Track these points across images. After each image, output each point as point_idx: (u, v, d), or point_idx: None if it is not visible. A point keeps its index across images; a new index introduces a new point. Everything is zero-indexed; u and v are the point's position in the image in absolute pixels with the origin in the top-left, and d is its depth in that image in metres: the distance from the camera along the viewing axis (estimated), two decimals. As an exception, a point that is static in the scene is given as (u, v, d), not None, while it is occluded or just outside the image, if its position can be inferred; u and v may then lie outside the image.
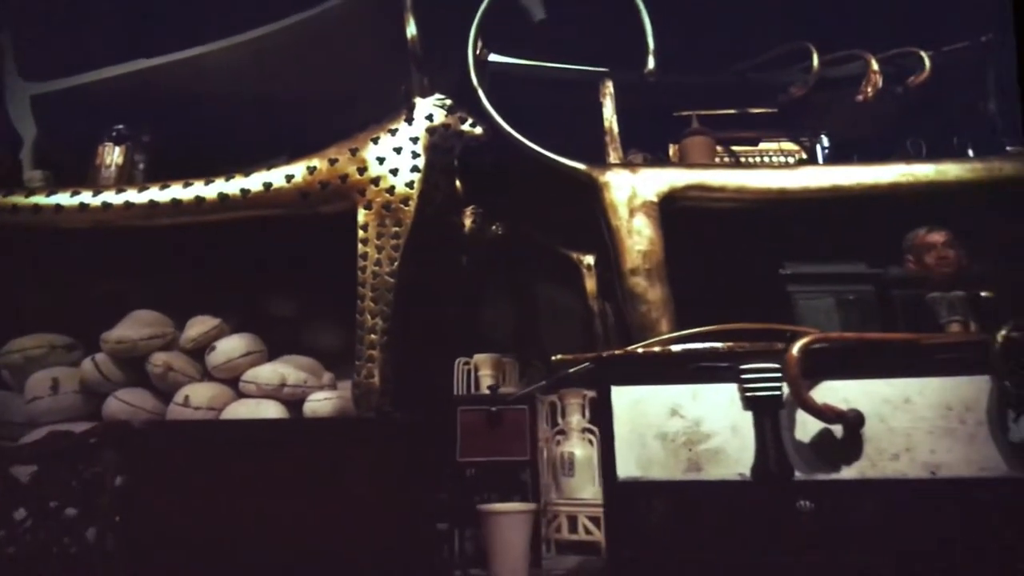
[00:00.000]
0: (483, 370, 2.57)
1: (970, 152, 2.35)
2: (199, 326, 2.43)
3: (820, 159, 2.46)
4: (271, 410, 2.28)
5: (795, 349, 1.56)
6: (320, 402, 2.32)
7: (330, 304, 2.56)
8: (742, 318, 1.87)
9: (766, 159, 2.55)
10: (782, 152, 2.56)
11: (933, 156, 2.34)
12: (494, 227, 2.81)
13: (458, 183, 2.70)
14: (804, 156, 2.52)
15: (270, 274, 2.59)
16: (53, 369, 2.34)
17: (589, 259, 2.79)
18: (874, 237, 2.23)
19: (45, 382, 2.29)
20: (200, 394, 2.27)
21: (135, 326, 2.36)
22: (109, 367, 2.31)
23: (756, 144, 2.58)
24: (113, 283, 2.53)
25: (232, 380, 2.37)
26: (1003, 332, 1.54)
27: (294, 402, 2.35)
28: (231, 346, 2.38)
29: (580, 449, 2.42)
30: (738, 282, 2.30)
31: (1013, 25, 1.67)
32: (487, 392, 2.43)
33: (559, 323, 3.12)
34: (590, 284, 2.77)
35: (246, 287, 2.60)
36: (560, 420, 2.52)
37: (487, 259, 2.83)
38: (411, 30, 2.32)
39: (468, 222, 2.76)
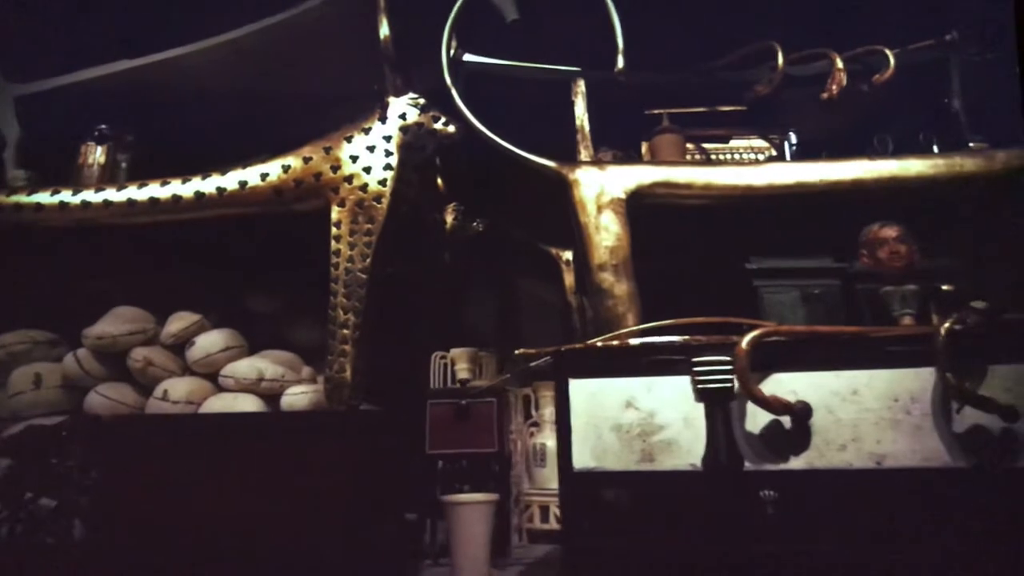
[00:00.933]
0: (459, 364, 2.62)
1: (935, 148, 2.38)
2: (179, 322, 2.48)
3: (788, 156, 2.49)
4: (248, 404, 2.32)
5: (744, 342, 1.60)
6: (297, 396, 2.36)
7: (312, 300, 2.59)
8: (709, 312, 1.91)
9: (736, 156, 2.58)
10: (752, 149, 2.59)
11: (899, 152, 2.37)
12: (475, 223, 2.85)
13: (440, 181, 2.74)
14: (774, 153, 2.55)
15: (251, 271, 2.63)
16: (36, 364, 2.39)
17: (567, 255, 2.82)
18: (839, 232, 2.27)
19: (28, 377, 2.34)
20: (179, 388, 2.32)
21: (116, 322, 2.41)
22: (91, 362, 2.36)
23: (727, 141, 2.61)
24: (95, 280, 2.57)
25: (212, 375, 2.41)
26: (946, 325, 1.58)
27: (272, 396, 2.39)
28: (210, 341, 2.43)
29: (552, 440, 2.46)
30: (705, 277, 2.34)
31: (1014, 25, 1.69)
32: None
33: (539, 317, 3.17)
34: (568, 279, 2.81)
35: (228, 284, 2.64)
36: (534, 412, 2.56)
37: (469, 255, 2.87)
38: (384, 30, 2.35)
39: (450, 219, 2.80)
